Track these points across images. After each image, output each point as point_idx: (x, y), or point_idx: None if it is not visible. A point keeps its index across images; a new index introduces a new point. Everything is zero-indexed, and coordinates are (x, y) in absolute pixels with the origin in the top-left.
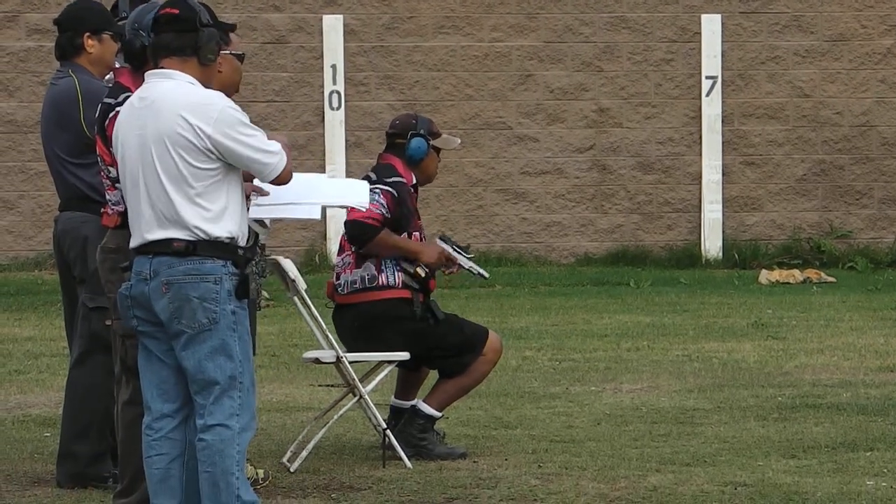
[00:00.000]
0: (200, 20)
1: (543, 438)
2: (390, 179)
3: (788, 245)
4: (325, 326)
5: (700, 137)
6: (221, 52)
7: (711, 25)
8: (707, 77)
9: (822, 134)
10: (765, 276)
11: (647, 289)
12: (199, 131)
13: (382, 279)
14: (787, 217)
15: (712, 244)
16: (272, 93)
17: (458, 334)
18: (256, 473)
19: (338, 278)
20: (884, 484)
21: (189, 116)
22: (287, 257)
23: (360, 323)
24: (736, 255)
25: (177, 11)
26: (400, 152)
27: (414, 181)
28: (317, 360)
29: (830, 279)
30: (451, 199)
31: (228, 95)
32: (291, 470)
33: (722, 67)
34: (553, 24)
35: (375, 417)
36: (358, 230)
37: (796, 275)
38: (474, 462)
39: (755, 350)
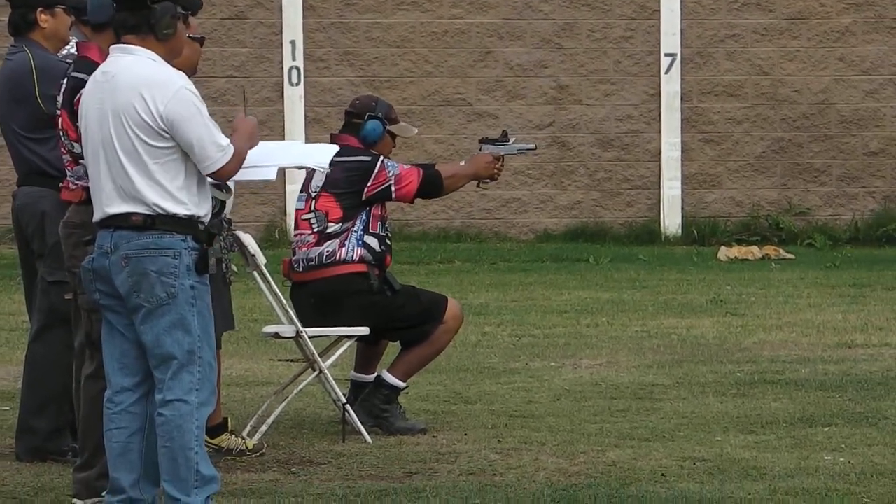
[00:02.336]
0: None
1: (503, 413)
2: (362, 157)
3: (747, 222)
4: (284, 301)
5: (659, 115)
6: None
7: (670, 3)
8: (666, 54)
9: (781, 112)
10: (724, 252)
11: (606, 265)
12: (153, 110)
13: (341, 254)
14: (745, 194)
15: (671, 221)
16: (231, 68)
17: (417, 304)
18: (245, 444)
19: (294, 255)
20: (841, 459)
21: (146, 94)
22: (247, 232)
23: (317, 299)
24: (695, 232)
25: None
26: (355, 132)
27: None
28: (276, 335)
29: (789, 256)
30: None
31: (189, 77)
32: (250, 445)
33: (681, 45)
34: (513, 1)
35: (335, 392)
36: (428, 186)
37: (755, 251)
38: (434, 437)
39: (714, 326)
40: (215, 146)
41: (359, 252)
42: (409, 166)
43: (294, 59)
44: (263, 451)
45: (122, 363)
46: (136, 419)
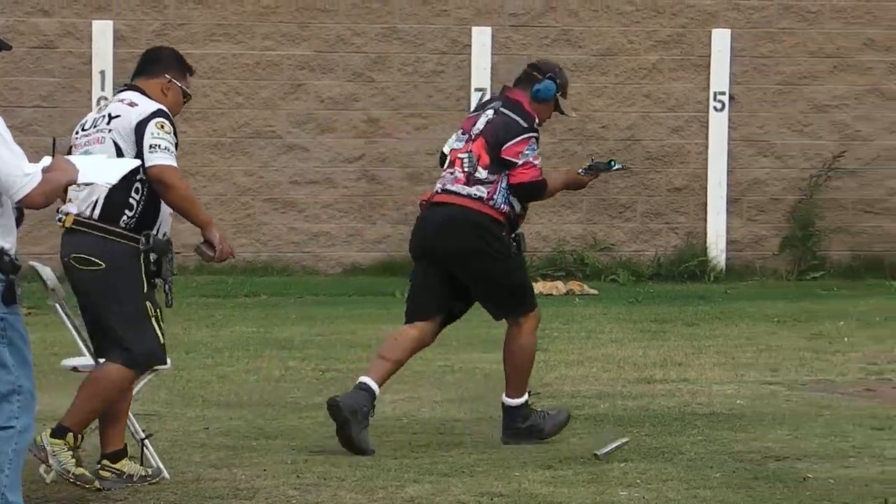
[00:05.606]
0: None
1: (304, 449)
2: (522, 121)
3: (553, 257)
4: (84, 334)
5: None
6: None
7: (482, 38)
8: (477, 89)
9: (589, 147)
10: None
11: None
12: None
13: (489, 199)
14: (552, 229)
15: None
16: (39, 98)
17: (522, 280)
18: (146, 471)
19: (436, 186)
20: (636, 494)
21: None
22: (46, 264)
23: (449, 218)
24: None
25: None
26: (529, 85)
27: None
28: (75, 369)
29: (593, 291)
30: (219, 208)
31: None
32: (48, 480)
33: (491, 80)
34: (325, 34)
35: (134, 426)
36: (533, 190)
37: (559, 286)
38: (233, 472)
39: None
40: (20, 173)
41: (505, 207)
42: (538, 164)
43: (103, 89)
44: (163, 475)
45: None
46: None
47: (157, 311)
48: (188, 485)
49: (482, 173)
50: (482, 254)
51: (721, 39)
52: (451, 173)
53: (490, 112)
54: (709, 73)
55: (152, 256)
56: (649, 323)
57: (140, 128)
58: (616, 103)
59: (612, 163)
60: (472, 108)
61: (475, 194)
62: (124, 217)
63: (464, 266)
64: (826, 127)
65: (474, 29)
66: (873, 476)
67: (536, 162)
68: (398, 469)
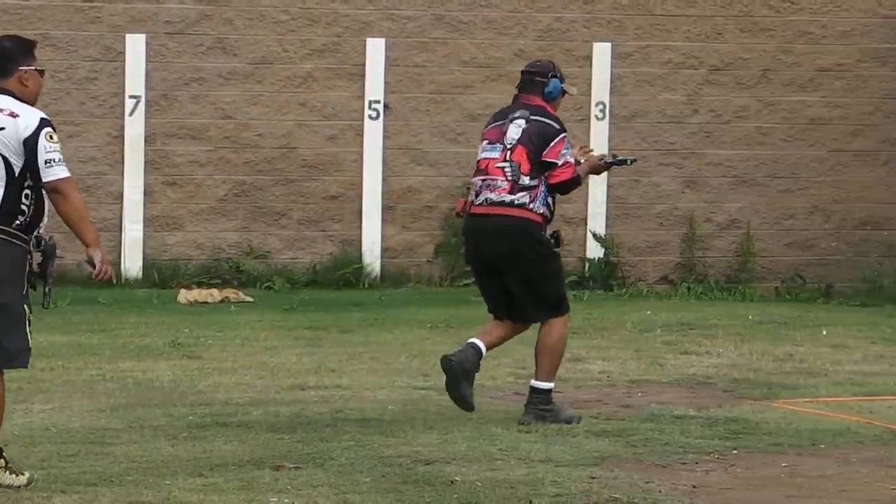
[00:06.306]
0: None
1: None
2: (553, 123)
3: (208, 265)
4: None
5: (122, 157)
6: None
7: (136, 45)
8: (131, 96)
9: (244, 155)
10: (183, 295)
11: (65, 308)
12: None
13: (531, 205)
14: (207, 237)
15: (132, 263)
16: None
17: (561, 280)
18: (23, 476)
19: (477, 196)
20: (287, 500)
21: None
22: None
23: (500, 230)
24: (156, 275)
25: None
26: (540, 90)
27: None
28: None
29: (248, 299)
30: None
31: None
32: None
33: (146, 87)
34: None
35: None
36: (571, 186)
37: (215, 294)
38: None
39: (170, 369)
40: None
41: (542, 210)
42: (572, 161)
43: None
44: (34, 479)
45: None
46: None
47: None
48: None
49: (525, 180)
50: (529, 257)
51: (375, 48)
52: (493, 181)
53: (521, 121)
54: (364, 82)
55: (38, 259)
56: (304, 330)
57: (30, 142)
58: (272, 111)
59: (629, 161)
60: (492, 119)
61: (518, 202)
62: (17, 221)
63: (513, 269)
64: (478, 136)
65: (128, 36)
66: (519, 478)
67: (572, 160)
68: (45, 480)
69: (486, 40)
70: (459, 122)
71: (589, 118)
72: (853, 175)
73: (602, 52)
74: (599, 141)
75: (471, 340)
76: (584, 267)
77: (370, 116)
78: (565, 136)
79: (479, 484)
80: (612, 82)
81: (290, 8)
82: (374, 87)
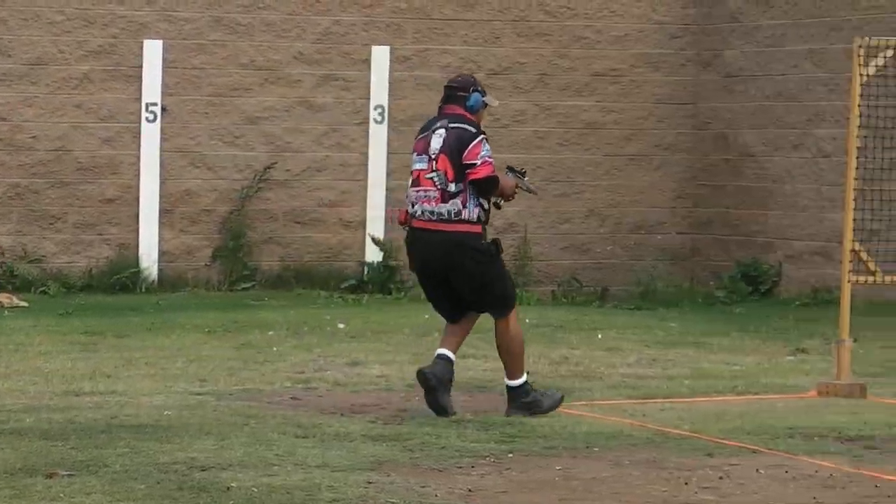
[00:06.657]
0: None
1: None
2: (469, 127)
3: None
4: None
5: None
6: None
7: None
8: None
9: (19, 158)
10: None
11: None
12: None
13: (464, 214)
14: None
15: None
16: None
17: (507, 280)
18: None
19: (413, 207)
20: None
21: None
22: None
23: (446, 247)
24: None
25: None
26: (462, 103)
27: None
28: None
29: (23, 304)
30: None
31: None
32: None
33: None
34: None
35: None
36: (488, 184)
37: None
38: None
39: None
40: None
41: (475, 212)
42: (492, 161)
43: None
44: None
45: None
46: None
47: None
48: None
49: (452, 186)
50: (475, 269)
51: (153, 50)
52: (425, 193)
53: (442, 130)
54: (141, 84)
55: None
56: (80, 335)
57: None
58: (47, 113)
59: (524, 173)
60: (419, 131)
61: (454, 213)
62: None
63: (461, 277)
64: (257, 139)
65: None
66: (295, 483)
67: (491, 160)
68: None
69: (264, 43)
70: (238, 125)
71: (368, 121)
72: (628, 179)
73: (381, 56)
74: (378, 144)
75: (438, 352)
76: (363, 271)
77: (147, 119)
78: (483, 138)
79: (256, 490)
80: (390, 85)
81: (66, 8)
82: (152, 89)
